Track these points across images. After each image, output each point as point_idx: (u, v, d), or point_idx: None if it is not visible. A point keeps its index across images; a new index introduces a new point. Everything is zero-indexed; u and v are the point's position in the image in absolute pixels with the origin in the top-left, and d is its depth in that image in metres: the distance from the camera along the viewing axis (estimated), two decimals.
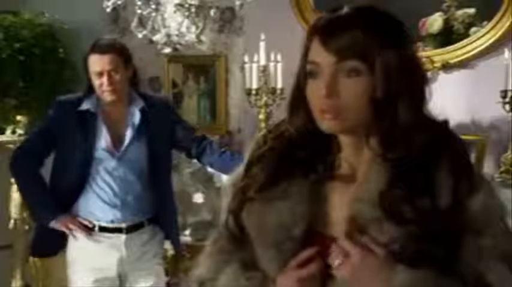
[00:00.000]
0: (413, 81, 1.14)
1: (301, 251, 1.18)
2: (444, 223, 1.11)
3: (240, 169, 1.28)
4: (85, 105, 2.84)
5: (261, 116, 3.76)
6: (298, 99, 1.20)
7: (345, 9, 1.15)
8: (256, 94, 3.73)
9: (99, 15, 3.93)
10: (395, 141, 1.13)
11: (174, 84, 4.28)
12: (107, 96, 2.81)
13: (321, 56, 1.13)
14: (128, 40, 3.23)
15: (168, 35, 3.74)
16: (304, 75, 1.18)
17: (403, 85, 1.12)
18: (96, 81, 2.80)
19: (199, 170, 4.06)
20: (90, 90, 2.85)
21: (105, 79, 2.77)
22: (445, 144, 1.16)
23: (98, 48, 2.80)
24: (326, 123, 1.14)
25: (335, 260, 1.14)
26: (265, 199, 1.20)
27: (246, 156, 1.29)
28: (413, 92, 1.14)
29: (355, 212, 1.15)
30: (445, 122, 1.19)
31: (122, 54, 2.83)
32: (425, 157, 1.13)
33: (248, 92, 3.77)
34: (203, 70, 4.22)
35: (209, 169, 3.45)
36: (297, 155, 1.21)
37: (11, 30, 3.91)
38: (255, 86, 3.73)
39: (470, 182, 1.14)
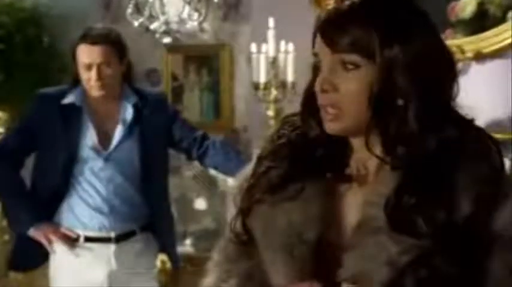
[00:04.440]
0: (424, 80, 1.13)
1: (314, 259, 1.17)
2: (464, 237, 1.10)
3: (248, 168, 1.29)
4: (69, 99, 2.81)
5: (270, 113, 3.75)
6: (311, 97, 1.21)
7: (352, 2, 1.17)
8: (265, 88, 3.72)
9: None
10: (399, 145, 1.14)
11: (174, 78, 4.28)
12: (95, 92, 2.78)
13: (321, 48, 1.17)
14: (122, 28, 3.20)
15: (167, 23, 3.77)
16: (314, 72, 1.21)
17: (410, 83, 1.12)
18: (84, 75, 2.77)
19: (202, 173, 4.05)
20: (76, 82, 2.83)
21: (93, 73, 2.74)
22: (467, 146, 1.14)
23: (89, 37, 2.77)
24: (327, 124, 1.17)
25: None
26: (276, 201, 1.21)
27: (256, 152, 1.29)
28: (423, 91, 1.13)
29: (365, 217, 1.15)
30: (471, 121, 1.18)
31: (115, 45, 2.80)
32: (440, 162, 1.12)
33: (256, 86, 3.75)
34: (206, 62, 4.22)
35: (212, 172, 3.44)
36: (314, 152, 1.22)
37: None
38: (263, 79, 3.71)
39: (497, 190, 1.13)
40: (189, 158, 3.08)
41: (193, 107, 4.22)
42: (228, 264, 1.27)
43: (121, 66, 2.82)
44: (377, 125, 1.15)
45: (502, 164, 1.17)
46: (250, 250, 1.24)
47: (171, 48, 4.15)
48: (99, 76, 2.74)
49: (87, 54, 2.74)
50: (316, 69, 1.18)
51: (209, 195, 4.19)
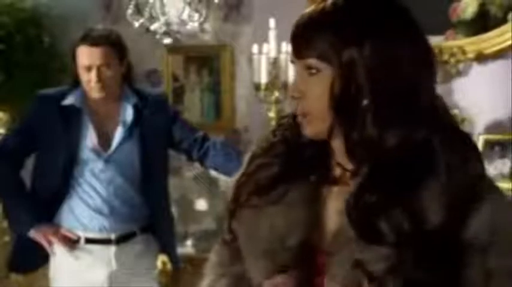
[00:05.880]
0: (387, 83, 1.11)
1: (297, 265, 1.17)
2: (436, 244, 1.09)
3: (241, 170, 1.29)
4: (69, 100, 2.81)
5: (271, 114, 3.72)
6: None
7: (315, 8, 1.17)
8: (266, 89, 3.70)
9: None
10: (359, 149, 1.13)
11: (175, 78, 4.27)
12: (94, 93, 2.78)
13: (292, 56, 1.20)
14: (122, 29, 3.22)
15: (168, 24, 3.76)
16: None
17: (368, 87, 1.11)
18: (83, 76, 2.77)
19: (203, 174, 4.04)
20: (76, 83, 2.83)
21: (93, 75, 2.73)
22: (443, 150, 1.12)
23: (89, 38, 2.77)
24: (302, 128, 1.19)
25: None
26: (260, 204, 1.21)
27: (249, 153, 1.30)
28: (384, 95, 1.11)
29: (341, 226, 1.15)
30: (453, 125, 1.18)
31: (115, 47, 2.80)
32: (407, 166, 1.11)
33: (257, 87, 3.73)
34: (207, 62, 4.20)
35: (213, 172, 3.42)
36: (302, 154, 1.22)
37: None
38: (264, 80, 3.69)
39: (472, 196, 1.11)
40: (190, 159, 3.07)
41: (194, 107, 4.21)
42: (221, 268, 1.29)
43: (121, 68, 2.82)
44: (340, 128, 1.15)
45: (482, 170, 1.15)
46: (240, 252, 1.25)
47: (172, 49, 4.13)
48: (99, 78, 2.73)
49: (87, 56, 2.73)
50: None
51: (210, 196, 4.17)
